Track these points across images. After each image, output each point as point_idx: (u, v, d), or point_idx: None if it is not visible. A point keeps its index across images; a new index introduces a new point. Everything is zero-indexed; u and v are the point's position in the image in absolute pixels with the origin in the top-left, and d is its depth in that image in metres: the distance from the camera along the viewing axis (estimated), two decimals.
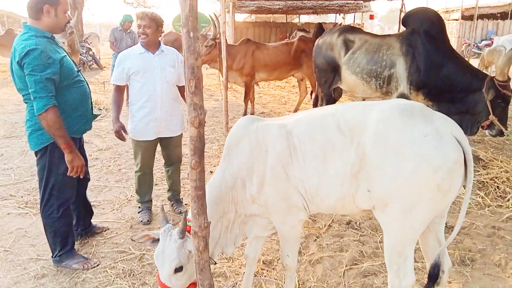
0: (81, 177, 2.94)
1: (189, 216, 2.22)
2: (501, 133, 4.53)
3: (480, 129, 4.65)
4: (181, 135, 3.83)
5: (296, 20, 22.26)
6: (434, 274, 2.11)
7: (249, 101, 7.93)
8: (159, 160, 4.70)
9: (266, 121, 2.34)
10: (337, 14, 20.01)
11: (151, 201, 3.93)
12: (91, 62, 15.02)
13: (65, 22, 2.85)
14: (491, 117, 4.42)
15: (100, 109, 8.13)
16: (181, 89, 3.70)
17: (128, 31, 8.73)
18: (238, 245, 2.49)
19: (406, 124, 1.94)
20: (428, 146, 1.87)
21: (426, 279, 2.21)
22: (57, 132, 2.70)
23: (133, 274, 2.97)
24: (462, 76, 4.60)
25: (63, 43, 7.98)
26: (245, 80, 7.67)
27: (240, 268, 3.03)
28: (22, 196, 4.28)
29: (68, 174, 2.84)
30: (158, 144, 3.79)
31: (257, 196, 2.23)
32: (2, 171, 4.99)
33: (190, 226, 2.12)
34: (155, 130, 3.59)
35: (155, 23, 3.47)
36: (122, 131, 3.54)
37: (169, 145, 3.78)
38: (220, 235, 2.36)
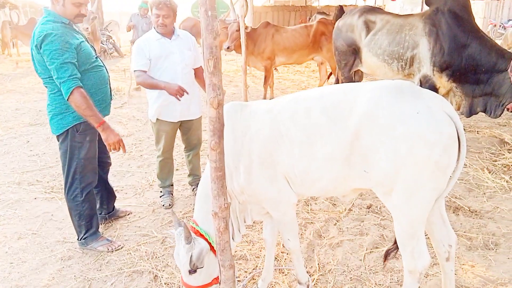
0: (124, 152, 2.93)
1: (194, 217, 2.31)
2: None
3: (506, 111, 4.51)
4: (200, 118, 3.85)
5: (315, 4, 21.86)
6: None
7: (268, 87, 7.89)
8: (179, 145, 4.75)
9: (251, 106, 2.27)
10: None
11: (172, 185, 3.98)
12: (112, 50, 15.17)
13: (74, 13, 2.82)
14: None
15: (121, 96, 8.23)
16: (197, 71, 3.70)
17: (145, 16, 9.04)
18: (243, 233, 2.48)
19: (396, 103, 1.88)
20: (421, 123, 1.81)
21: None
22: (86, 112, 2.72)
23: (156, 257, 3.04)
24: (487, 56, 4.44)
25: (87, 28, 8.12)
26: (265, 64, 7.62)
27: (260, 251, 3.05)
28: (48, 182, 4.40)
29: (110, 152, 2.91)
30: (178, 131, 3.82)
31: (246, 186, 2.20)
32: (29, 157, 5.14)
33: (193, 227, 2.24)
34: (178, 113, 3.62)
35: (173, 11, 3.45)
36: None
37: (190, 128, 3.80)
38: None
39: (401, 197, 1.92)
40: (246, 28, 7.22)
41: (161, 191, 3.95)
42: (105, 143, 2.83)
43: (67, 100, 2.70)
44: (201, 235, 2.20)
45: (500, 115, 4.51)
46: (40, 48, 2.65)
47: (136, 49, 3.52)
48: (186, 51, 3.55)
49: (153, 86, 3.43)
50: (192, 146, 3.94)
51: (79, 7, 2.81)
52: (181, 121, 3.71)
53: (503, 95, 4.40)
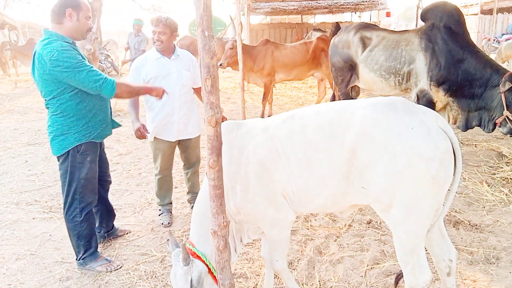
0: (167, 93, 3.13)
1: (190, 238, 2.29)
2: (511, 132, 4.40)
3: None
4: (199, 137, 3.86)
5: (311, 21, 22.16)
6: None
7: (267, 103, 7.94)
8: (178, 163, 4.75)
9: (247, 125, 2.27)
10: (353, 13, 19.83)
11: (171, 203, 3.97)
12: (110, 69, 15.29)
13: (86, 28, 2.91)
14: (505, 112, 4.31)
15: (119, 115, 8.25)
16: (197, 91, 3.73)
17: (138, 34, 9.13)
18: (239, 252, 2.48)
19: (391, 119, 1.89)
20: (416, 139, 1.83)
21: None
22: (135, 91, 2.99)
23: (155, 276, 3.01)
24: (482, 71, 4.51)
25: (90, 49, 8.21)
26: (265, 81, 7.69)
27: (260, 269, 3.02)
28: (46, 201, 4.38)
29: (158, 99, 3.13)
30: (177, 148, 3.82)
31: (243, 205, 2.18)
32: (27, 177, 5.13)
33: (190, 249, 2.20)
34: (175, 132, 3.63)
35: (170, 29, 3.49)
36: (143, 128, 3.44)
37: (188, 147, 3.81)
38: None
39: (400, 213, 1.92)
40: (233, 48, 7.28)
41: (160, 209, 3.93)
42: (156, 97, 3.09)
43: (115, 97, 2.81)
44: (198, 257, 2.18)
45: (492, 130, 4.54)
46: (55, 65, 2.64)
47: (133, 67, 3.60)
48: (185, 72, 3.57)
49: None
50: (191, 164, 3.94)
51: (89, 20, 2.93)
52: (180, 140, 3.72)
53: (493, 109, 4.46)
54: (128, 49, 9.31)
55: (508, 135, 4.51)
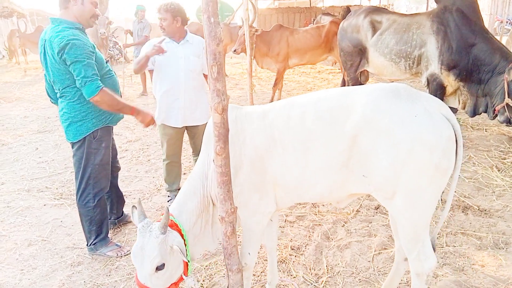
0: (155, 126, 3.12)
1: (171, 210, 2.15)
2: (508, 121, 4.32)
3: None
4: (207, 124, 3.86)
5: (320, 5, 21.84)
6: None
7: (277, 89, 7.91)
8: (187, 149, 4.77)
9: (246, 109, 2.21)
10: None
11: (180, 189, 3.99)
12: (118, 56, 15.29)
13: (91, 13, 2.90)
14: (506, 100, 4.24)
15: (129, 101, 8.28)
16: (207, 77, 3.72)
17: (141, 21, 8.95)
18: (220, 241, 2.39)
19: (394, 106, 1.85)
20: (419, 127, 1.80)
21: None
22: (118, 106, 2.86)
23: None
24: (491, 57, 4.43)
25: (104, 32, 8.20)
26: (279, 66, 7.67)
27: (262, 272, 3.03)
28: (57, 188, 4.44)
29: (143, 128, 3.07)
30: (186, 134, 3.84)
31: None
32: (38, 164, 5.20)
33: (172, 220, 2.05)
34: (181, 118, 3.63)
35: (170, 14, 3.47)
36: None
37: (196, 133, 3.81)
38: (201, 230, 2.22)
39: (403, 201, 1.90)
40: (256, 30, 7.30)
41: (168, 195, 3.97)
42: (142, 124, 3.01)
43: (93, 99, 2.74)
44: (178, 230, 2.06)
45: (494, 117, 4.47)
46: (63, 54, 2.66)
47: (143, 48, 3.60)
48: (193, 57, 3.55)
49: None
50: (199, 151, 3.94)
51: (96, 6, 2.90)
52: (187, 126, 3.73)
53: (495, 96, 4.40)
54: (128, 32, 9.19)
55: (504, 124, 4.44)
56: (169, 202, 3.90)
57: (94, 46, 2.88)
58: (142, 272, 1.93)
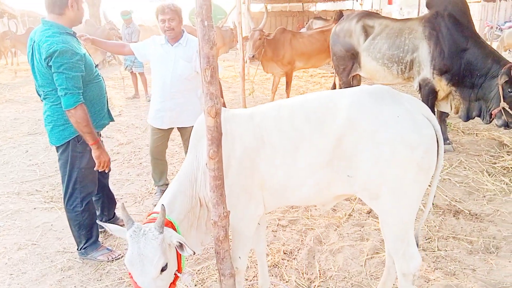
0: (106, 171, 3.03)
1: (155, 208, 2.07)
2: (506, 125, 4.38)
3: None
4: None
5: (312, 9, 21.96)
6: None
7: (274, 93, 7.93)
8: (180, 153, 4.74)
9: (234, 111, 2.21)
10: (354, 1, 19.63)
11: (167, 185, 4.02)
12: (110, 58, 15.20)
13: (83, 15, 2.89)
14: (502, 104, 4.29)
15: (120, 106, 8.24)
16: None
17: (129, 26, 8.96)
18: (205, 244, 2.31)
19: (377, 107, 1.92)
20: (402, 127, 1.87)
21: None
22: (85, 129, 2.76)
23: None
24: (483, 61, 4.49)
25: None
26: (286, 70, 7.68)
27: (254, 277, 3.01)
28: (47, 191, 4.39)
29: (95, 169, 2.92)
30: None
31: None
32: (28, 167, 5.13)
33: (166, 219, 1.91)
34: (167, 120, 3.68)
35: (178, 14, 3.45)
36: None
37: (184, 134, 3.85)
38: (186, 231, 2.15)
39: (388, 200, 1.95)
40: (268, 35, 7.31)
41: (155, 191, 4.04)
42: (95, 160, 2.88)
43: (67, 111, 2.69)
44: (172, 226, 1.98)
45: (490, 121, 4.53)
46: (49, 61, 2.63)
47: (147, 40, 3.67)
48: (182, 61, 3.52)
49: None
50: None
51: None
52: (177, 127, 3.77)
53: (490, 100, 4.45)
54: (118, 37, 9.25)
55: (502, 128, 4.49)
56: (156, 195, 4.00)
57: (84, 53, 2.85)
58: (145, 278, 1.81)
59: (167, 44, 3.53)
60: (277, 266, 2.94)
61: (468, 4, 5.03)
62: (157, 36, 3.66)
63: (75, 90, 2.69)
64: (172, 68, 3.51)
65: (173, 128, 3.81)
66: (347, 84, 6.00)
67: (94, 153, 2.85)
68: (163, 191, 3.89)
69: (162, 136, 3.81)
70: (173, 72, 3.51)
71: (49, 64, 2.64)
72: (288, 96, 7.81)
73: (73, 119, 2.72)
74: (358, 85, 6.22)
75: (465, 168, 4.52)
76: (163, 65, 3.52)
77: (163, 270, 1.82)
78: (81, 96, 2.72)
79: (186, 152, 3.96)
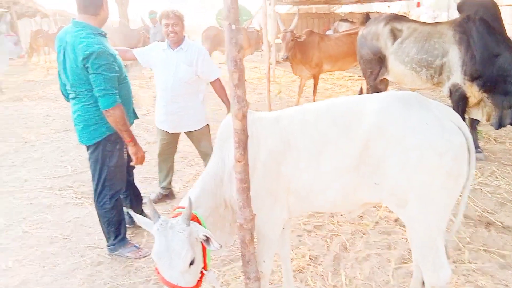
0: (141, 165, 3.13)
1: (181, 203, 2.08)
2: None
3: None
4: (202, 129, 3.87)
5: (338, 11, 21.75)
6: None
7: (300, 95, 7.94)
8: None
9: (257, 113, 2.22)
10: (382, 3, 19.32)
11: (169, 188, 4.16)
12: None
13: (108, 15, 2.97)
14: None
15: (147, 105, 8.38)
16: (213, 84, 3.75)
17: (155, 25, 9.65)
18: (229, 245, 2.31)
19: (405, 113, 1.92)
20: (430, 133, 1.86)
21: None
22: (123, 127, 2.86)
23: None
24: None
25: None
26: (314, 72, 7.72)
27: (279, 281, 2.97)
28: (78, 187, 4.52)
29: (132, 164, 3.06)
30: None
31: None
32: (60, 163, 5.29)
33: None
34: (170, 124, 3.77)
35: (181, 20, 3.55)
36: None
37: (191, 138, 3.95)
38: (210, 231, 2.09)
39: (416, 207, 1.92)
40: (299, 37, 7.33)
41: (156, 192, 4.17)
42: (132, 156, 3.00)
43: (106, 111, 2.77)
44: (198, 221, 1.96)
45: None
46: (87, 63, 2.69)
47: (148, 46, 3.83)
48: (183, 65, 3.56)
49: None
50: (203, 156, 4.02)
51: None
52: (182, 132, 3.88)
53: None
54: (147, 37, 10.01)
55: None
56: (149, 195, 4.05)
57: (116, 54, 2.94)
58: (173, 272, 1.78)
59: (169, 48, 3.61)
60: (302, 272, 2.93)
61: (500, 7, 4.89)
62: (159, 42, 3.78)
63: (113, 90, 2.77)
64: (174, 72, 3.58)
65: (179, 133, 3.90)
66: (374, 88, 5.92)
67: (131, 150, 2.96)
68: (160, 194, 4.08)
69: (169, 142, 3.92)
70: (174, 76, 3.58)
71: (86, 66, 2.70)
72: (314, 99, 7.79)
73: (112, 119, 2.80)
74: (386, 89, 6.14)
75: (497, 178, 4.39)
76: (165, 69, 3.61)
77: (191, 264, 1.79)
78: (118, 97, 2.79)
79: (199, 154, 4.03)
